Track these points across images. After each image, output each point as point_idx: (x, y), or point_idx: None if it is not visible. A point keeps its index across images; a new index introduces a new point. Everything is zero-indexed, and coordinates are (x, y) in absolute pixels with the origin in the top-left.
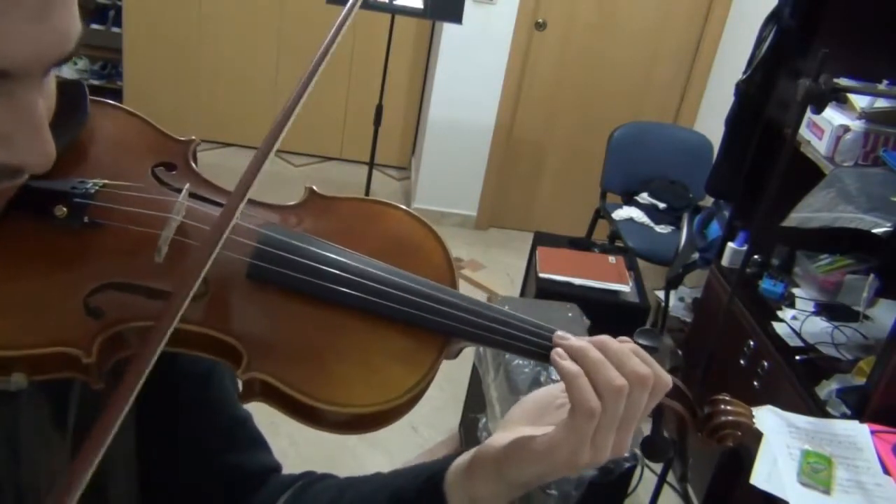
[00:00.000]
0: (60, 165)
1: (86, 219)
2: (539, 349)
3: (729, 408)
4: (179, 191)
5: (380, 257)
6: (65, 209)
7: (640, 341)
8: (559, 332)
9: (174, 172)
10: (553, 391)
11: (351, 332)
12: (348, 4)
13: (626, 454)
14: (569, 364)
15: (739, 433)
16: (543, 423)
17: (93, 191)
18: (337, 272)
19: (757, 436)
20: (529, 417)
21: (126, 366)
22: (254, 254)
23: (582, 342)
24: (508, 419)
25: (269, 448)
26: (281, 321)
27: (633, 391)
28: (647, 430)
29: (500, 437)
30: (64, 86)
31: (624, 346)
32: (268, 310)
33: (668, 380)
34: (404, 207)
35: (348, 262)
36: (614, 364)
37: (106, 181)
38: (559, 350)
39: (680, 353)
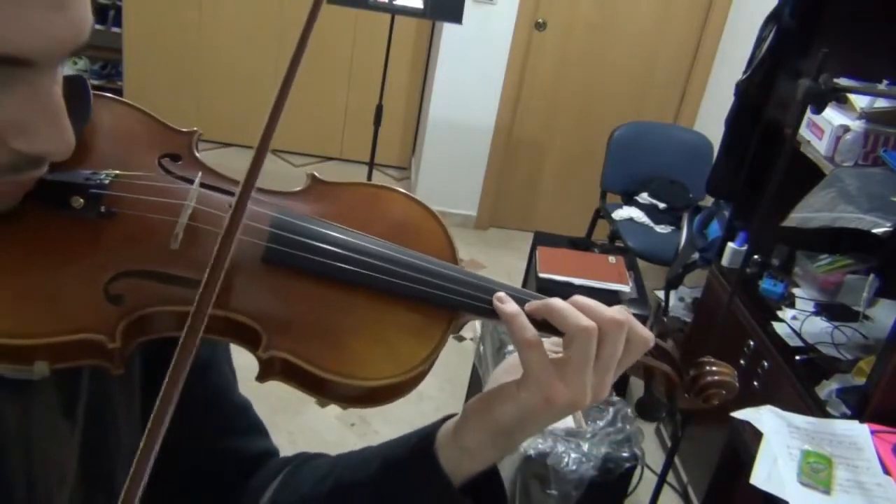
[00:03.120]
0: (69, 159)
1: (102, 209)
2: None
3: (714, 368)
4: (187, 180)
5: (384, 237)
6: (81, 200)
7: (630, 310)
8: (501, 293)
9: (180, 163)
10: None
11: (364, 310)
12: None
13: (626, 454)
14: (507, 306)
15: (724, 392)
16: None
17: (107, 181)
18: (347, 252)
19: (757, 435)
20: (513, 372)
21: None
22: (269, 238)
23: (545, 300)
24: (494, 375)
25: (267, 434)
26: (296, 301)
27: (607, 331)
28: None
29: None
30: (66, 81)
31: (593, 301)
32: (283, 291)
33: (647, 335)
34: (403, 190)
35: (357, 242)
36: (585, 311)
37: (118, 172)
38: (500, 294)
39: (665, 319)
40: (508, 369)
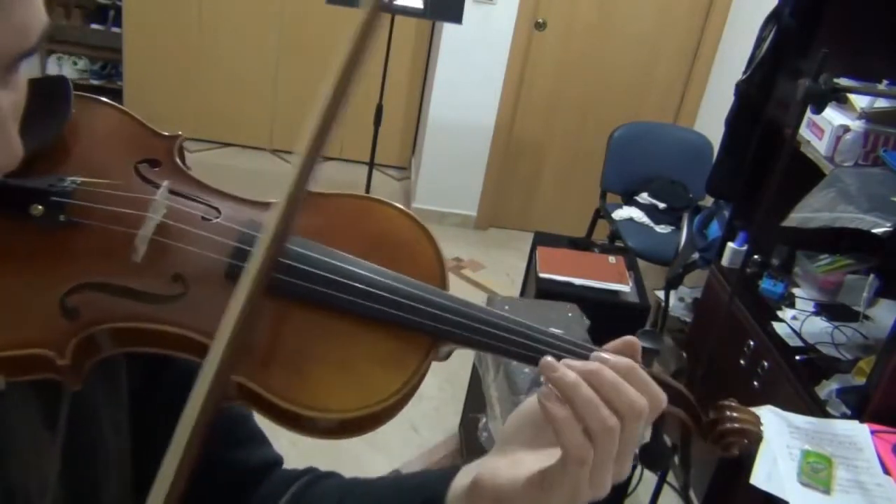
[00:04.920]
0: (42, 163)
1: (62, 217)
2: (530, 353)
3: (735, 414)
4: (160, 187)
5: (366, 256)
6: (41, 208)
7: (642, 343)
8: (546, 362)
9: (157, 169)
10: None
11: (332, 335)
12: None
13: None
14: (556, 409)
15: (746, 441)
16: (540, 440)
17: (70, 189)
18: (318, 272)
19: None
20: (523, 435)
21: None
22: (232, 253)
23: (570, 377)
24: (503, 437)
25: (269, 443)
26: (259, 323)
27: (626, 424)
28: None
29: (498, 465)
30: (46, 82)
31: (615, 375)
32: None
33: (662, 400)
34: (397, 204)
35: (330, 261)
36: (607, 398)
37: (84, 179)
38: (544, 391)
39: (684, 354)
40: (521, 433)
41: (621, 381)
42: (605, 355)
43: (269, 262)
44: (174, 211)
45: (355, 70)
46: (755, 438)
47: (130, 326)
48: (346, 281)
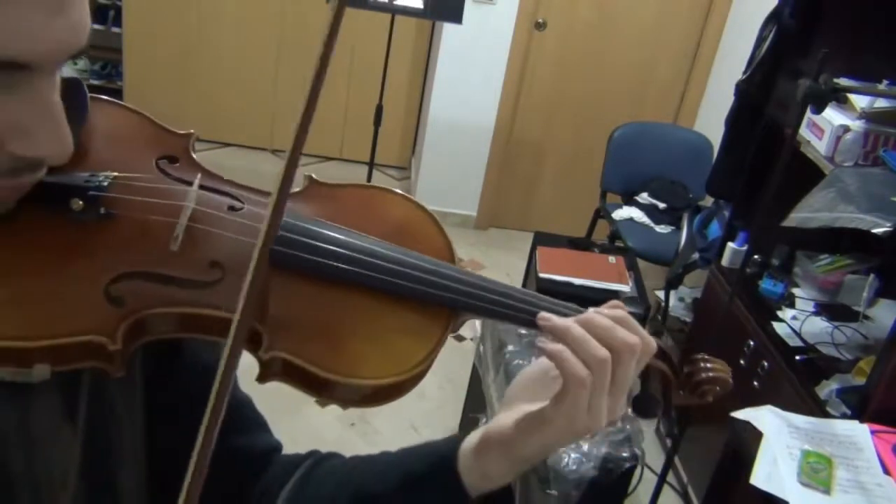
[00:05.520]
0: (66, 161)
1: (101, 210)
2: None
3: (708, 365)
4: (185, 181)
5: (382, 238)
6: (81, 202)
7: (628, 308)
8: (542, 314)
9: (177, 164)
10: (545, 364)
11: (363, 310)
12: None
13: (626, 454)
14: (551, 346)
15: (718, 388)
16: (542, 396)
17: (105, 183)
18: (347, 252)
19: (757, 435)
20: (527, 393)
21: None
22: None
23: (566, 321)
24: (508, 397)
25: (269, 429)
26: (296, 302)
27: (621, 358)
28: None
29: (504, 416)
30: (63, 82)
31: (606, 320)
32: (283, 291)
33: (653, 344)
34: (402, 192)
35: (356, 242)
36: (601, 337)
37: (117, 174)
38: (543, 339)
39: (659, 317)
40: (523, 392)
41: (612, 323)
42: (601, 309)
43: (271, 232)
44: (206, 201)
45: (328, 63)
46: (725, 385)
47: (175, 311)
48: (371, 260)
